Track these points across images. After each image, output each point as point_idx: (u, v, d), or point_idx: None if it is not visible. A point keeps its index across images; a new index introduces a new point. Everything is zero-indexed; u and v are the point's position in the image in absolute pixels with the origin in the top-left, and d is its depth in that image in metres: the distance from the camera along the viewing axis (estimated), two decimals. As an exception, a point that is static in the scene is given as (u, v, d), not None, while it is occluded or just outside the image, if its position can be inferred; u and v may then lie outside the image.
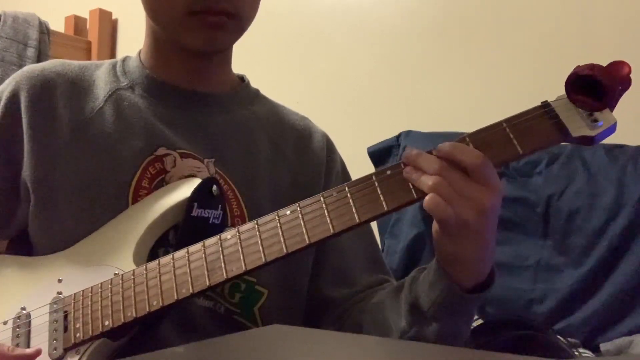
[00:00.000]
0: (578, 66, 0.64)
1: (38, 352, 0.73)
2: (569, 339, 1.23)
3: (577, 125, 0.64)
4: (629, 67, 0.63)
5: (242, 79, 0.97)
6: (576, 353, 1.20)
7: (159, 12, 0.83)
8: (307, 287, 0.90)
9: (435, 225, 0.67)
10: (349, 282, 0.89)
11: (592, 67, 0.63)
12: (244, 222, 0.83)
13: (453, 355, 0.50)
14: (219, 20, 0.80)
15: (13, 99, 0.84)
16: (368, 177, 0.67)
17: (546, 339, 1.16)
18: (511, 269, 1.40)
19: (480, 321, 1.28)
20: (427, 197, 0.64)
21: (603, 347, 1.24)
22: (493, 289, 1.48)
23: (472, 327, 1.22)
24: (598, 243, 1.32)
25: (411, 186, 0.66)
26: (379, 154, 1.59)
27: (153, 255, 0.77)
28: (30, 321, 0.76)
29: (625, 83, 0.63)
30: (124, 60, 0.92)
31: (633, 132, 1.31)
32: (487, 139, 0.66)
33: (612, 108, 0.65)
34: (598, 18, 1.53)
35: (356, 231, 0.89)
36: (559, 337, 1.19)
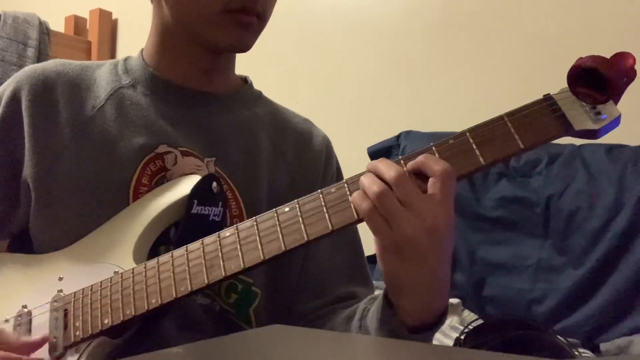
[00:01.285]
0: (580, 58, 0.62)
1: (44, 341, 0.73)
2: (569, 339, 1.23)
3: (580, 118, 0.62)
4: (634, 59, 0.61)
5: (245, 80, 0.97)
6: (576, 353, 1.20)
7: (191, 9, 0.82)
8: (292, 295, 0.90)
9: (375, 242, 0.64)
10: (319, 292, 0.89)
11: (595, 58, 0.61)
12: (242, 221, 0.83)
13: (453, 356, 0.50)
14: (251, 21, 0.81)
15: (14, 99, 0.84)
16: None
17: (546, 339, 1.16)
18: (511, 269, 1.40)
19: (480, 321, 1.28)
20: (367, 216, 0.62)
21: (603, 347, 1.24)
22: (494, 289, 1.49)
23: (472, 327, 1.22)
24: (598, 243, 1.32)
25: None
26: (379, 154, 1.59)
27: (154, 252, 0.77)
28: (31, 319, 0.76)
29: (630, 75, 0.61)
30: (126, 59, 0.92)
31: (633, 132, 1.31)
32: (487, 133, 0.64)
33: (616, 101, 0.63)
34: (598, 18, 1.53)
35: (339, 240, 0.89)
36: (559, 337, 1.19)
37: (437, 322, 0.67)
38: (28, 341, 0.73)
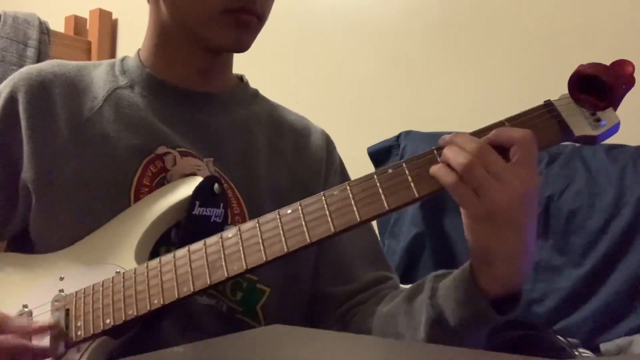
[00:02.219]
0: (581, 65, 0.63)
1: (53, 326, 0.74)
2: (569, 339, 1.23)
3: (580, 124, 0.64)
4: (633, 66, 0.63)
5: (240, 78, 0.97)
6: (576, 353, 1.20)
7: (190, 9, 0.82)
8: (309, 284, 0.89)
9: (462, 214, 0.65)
10: (349, 278, 0.89)
11: (596, 66, 0.62)
12: (244, 220, 0.83)
13: (453, 356, 0.50)
14: (251, 20, 0.81)
15: (11, 100, 0.84)
16: (370, 176, 0.67)
17: (546, 339, 1.16)
18: (511, 269, 1.40)
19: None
20: (453, 189, 0.62)
21: (603, 347, 1.24)
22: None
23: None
24: (598, 243, 1.32)
25: (412, 185, 0.65)
26: (379, 154, 1.59)
27: (155, 253, 0.77)
28: (32, 319, 0.76)
29: (629, 82, 0.63)
30: (123, 60, 0.92)
31: (633, 132, 1.31)
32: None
33: (615, 107, 0.64)
34: (598, 18, 1.53)
35: None
36: (559, 337, 1.19)
37: (518, 295, 0.67)
38: (35, 327, 0.73)
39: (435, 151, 0.66)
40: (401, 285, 0.92)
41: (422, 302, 0.73)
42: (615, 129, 0.64)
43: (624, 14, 1.50)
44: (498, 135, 0.63)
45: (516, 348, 1.12)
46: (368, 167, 1.56)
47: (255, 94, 0.97)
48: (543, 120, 0.65)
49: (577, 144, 1.45)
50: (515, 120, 0.65)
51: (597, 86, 0.62)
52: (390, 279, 0.90)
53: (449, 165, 0.63)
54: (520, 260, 0.65)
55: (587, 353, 1.24)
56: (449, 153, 0.63)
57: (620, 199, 1.32)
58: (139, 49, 0.92)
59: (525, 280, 0.67)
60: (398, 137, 1.61)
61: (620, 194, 1.32)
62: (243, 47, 0.84)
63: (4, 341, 0.71)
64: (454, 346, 0.67)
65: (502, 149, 0.63)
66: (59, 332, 0.73)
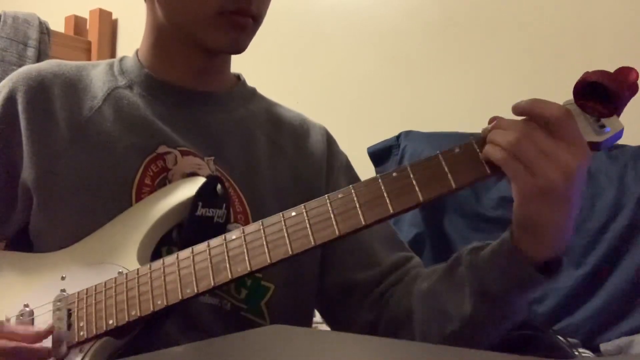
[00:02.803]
0: (587, 72, 0.64)
1: (51, 331, 0.73)
2: (569, 339, 1.23)
3: (584, 130, 0.64)
4: (637, 73, 0.63)
5: (238, 77, 0.97)
6: (576, 353, 1.20)
7: (185, 11, 0.82)
8: (315, 282, 0.89)
9: (514, 190, 0.65)
10: (373, 262, 0.87)
11: (601, 73, 0.63)
12: (246, 218, 0.83)
13: (453, 356, 0.50)
14: (246, 22, 0.81)
15: (10, 100, 0.84)
16: (374, 180, 0.67)
17: (546, 339, 1.16)
18: (511, 269, 1.40)
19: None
20: (504, 163, 0.62)
21: (603, 347, 1.24)
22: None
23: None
24: (598, 243, 1.32)
25: (417, 189, 0.65)
26: (379, 154, 1.59)
27: (156, 253, 0.77)
28: (33, 318, 0.76)
29: (633, 89, 0.63)
30: (121, 60, 0.92)
31: (633, 132, 1.31)
32: None
33: (619, 114, 0.65)
34: (599, 18, 1.53)
35: None
36: (559, 337, 1.19)
37: (560, 258, 0.68)
38: (33, 332, 0.73)
39: (440, 155, 0.66)
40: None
41: (463, 275, 0.73)
42: (618, 135, 0.65)
43: (625, 14, 1.50)
44: (537, 111, 0.63)
45: (516, 348, 1.12)
46: (368, 167, 1.56)
47: (253, 92, 0.98)
48: None
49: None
50: None
51: (601, 93, 0.63)
52: (413, 257, 0.89)
53: (498, 143, 0.63)
54: (567, 229, 0.66)
55: (587, 353, 1.24)
56: (496, 136, 0.64)
57: (620, 199, 1.32)
58: (138, 49, 0.92)
59: (568, 242, 0.68)
60: (398, 137, 1.61)
61: (620, 194, 1.32)
62: (239, 48, 0.84)
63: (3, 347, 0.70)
64: (500, 318, 0.69)
65: (544, 126, 0.63)
66: (61, 334, 0.73)
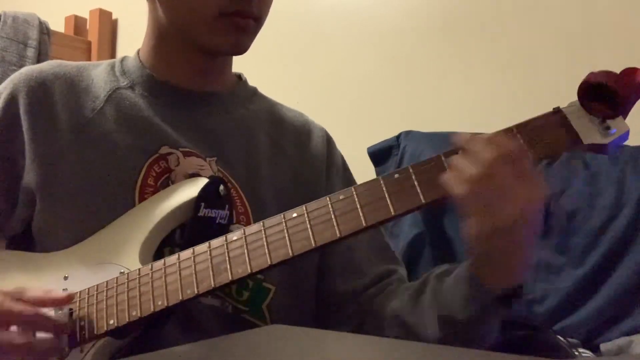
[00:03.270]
0: (591, 73, 0.63)
1: (70, 298, 0.74)
2: (569, 339, 1.23)
3: (589, 132, 0.63)
4: None
5: (239, 77, 0.97)
6: (576, 353, 1.20)
7: (186, 13, 0.82)
8: (314, 284, 0.89)
9: (469, 224, 0.64)
10: (358, 274, 0.88)
11: (606, 74, 0.62)
12: (248, 219, 0.83)
13: (453, 356, 0.50)
14: (247, 24, 0.81)
15: (11, 102, 0.84)
16: (376, 181, 0.67)
17: (546, 339, 1.16)
18: (511, 269, 1.40)
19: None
20: (464, 200, 0.62)
21: (603, 347, 1.24)
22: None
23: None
24: (598, 243, 1.32)
25: (419, 191, 0.65)
26: (379, 154, 1.59)
27: (159, 254, 0.78)
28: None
29: (639, 91, 0.62)
30: (123, 60, 0.92)
31: (633, 132, 1.31)
32: None
33: (625, 116, 0.64)
34: (601, 18, 1.53)
35: None
36: (559, 337, 1.19)
37: (519, 290, 0.68)
38: (54, 296, 0.73)
39: (442, 157, 0.66)
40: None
41: (430, 300, 0.73)
42: (625, 137, 0.64)
43: (627, 15, 1.49)
44: (498, 145, 0.63)
45: (516, 348, 1.12)
46: (368, 167, 1.56)
47: (254, 92, 0.98)
48: (552, 127, 0.64)
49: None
50: (524, 127, 0.65)
51: (607, 94, 0.62)
52: (395, 272, 0.90)
53: (460, 174, 0.63)
54: (524, 261, 0.66)
55: (587, 353, 1.24)
56: (462, 163, 0.63)
57: (620, 199, 1.32)
58: (139, 49, 0.92)
59: (527, 275, 0.68)
60: (398, 137, 1.61)
61: (620, 194, 1.32)
62: (240, 50, 0.84)
63: (23, 311, 0.70)
64: (470, 343, 0.68)
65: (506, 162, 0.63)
66: (63, 326, 0.73)
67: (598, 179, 1.36)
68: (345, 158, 1.02)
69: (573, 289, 1.32)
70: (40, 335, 0.71)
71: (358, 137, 1.63)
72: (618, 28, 1.50)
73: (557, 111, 0.65)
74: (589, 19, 1.54)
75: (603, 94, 0.62)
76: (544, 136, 0.64)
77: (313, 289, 0.89)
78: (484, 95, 1.64)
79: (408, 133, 1.60)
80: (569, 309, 1.31)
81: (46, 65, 0.88)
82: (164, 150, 0.83)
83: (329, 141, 0.97)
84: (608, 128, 0.63)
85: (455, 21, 1.73)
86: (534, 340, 1.15)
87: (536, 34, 1.60)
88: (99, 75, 0.89)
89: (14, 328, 0.70)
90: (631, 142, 1.35)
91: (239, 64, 0.96)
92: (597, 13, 1.53)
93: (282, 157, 0.91)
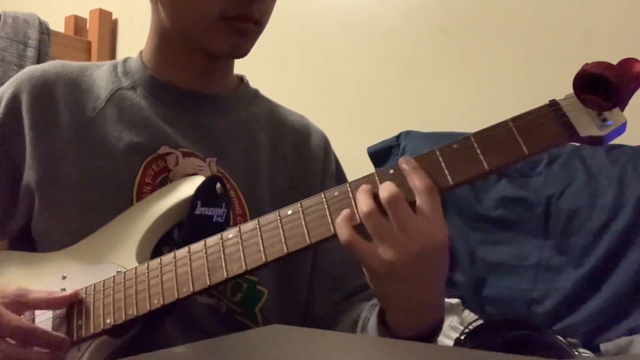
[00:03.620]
0: (587, 64, 0.62)
1: (75, 295, 0.74)
2: (569, 339, 1.23)
3: (585, 124, 0.62)
4: None
5: (241, 79, 0.97)
6: (576, 353, 1.20)
7: (187, 15, 0.82)
8: (306, 290, 0.90)
9: (364, 267, 0.65)
10: (335, 286, 0.89)
11: (601, 65, 0.61)
12: (245, 220, 0.83)
13: (453, 356, 0.50)
14: (248, 27, 0.81)
15: (14, 101, 0.84)
16: (371, 177, 0.67)
17: (546, 339, 1.16)
18: (511, 269, 1.40)
19: (480, 321, 1.28)
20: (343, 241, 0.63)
21: (603, 347, 1.24)
22: (494, 289, 1.49)
23: (472, 327, 1.22)
24: (598, 243, 1.32)
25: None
26: (379, 154, 1.59)
27: (157, 253, 0.78)
28: (34, 317, 0.76)
29: (637, 82, 0.61)
30: (125, 61, 0.92)
31: (633, 132, 1.31)
32: (491, 138, 0.64)
33: (622, 107, 0.62)
34: (599, 18, 1.53)
35: None
36: (559, 337, 1.19)
37: (432, 333, 0.67)
38: (59, 296, 0.73)
39: (437, 150, 0.65)
40: None
41: (358, 332, 0.76)
42: (622, 129, 0.62)
43: (626, 14, 1.49)
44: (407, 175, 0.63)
45: (516, 348, 1.12)
46: (368, 167, 1.56)
47: (256, 94, 0.98)
48: (548, 120, 0.63)
49: (577, 144, 1.45)
50: (519, 120, 0.64)
51: (603, 85, 0.61)
52: (367, 288, 0.89)
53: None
54: (418, 310, 0.65)
55: (587, 353, 1.24)
56: (359, 196, 0.63)
57: (620, 199, 1.32)
58: (142, 50, 0.92)
59: (433, 325, 0.67)
60: (398, 137, 1.61)
61: (620, 194, 1.32)
62: (241, 53, 0.84)
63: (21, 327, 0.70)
64: None
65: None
66: (62, 342, 0.73)
67: (598, 179, 1.36)
68: (345, 158, 1.02)
69: (573, 289, 1.32)
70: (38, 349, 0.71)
71: (358, 137, 1.64)
72: (618, 28, 1.50)
73: (553, 104, 0.64)
74: (589, 19, 1.54)
75: (599, 86, 0.61)
76: (540, 129, 0.63)
77: (305, 295, 0.90)
78: (484, 95, 1.64)
79: (408, 133, 1.61)
80: (569, 309, 1.32)
81: (49, 66, 0.89)
82: (163, 150, 0.83)
83: (326, 146, 0.97)
84: (605, 120, 0.62)
85: (455, 21, 1.73)
86: (534, 340, 1.15)
87: (536, 34, 1.60)
88: (101, 75, 0.89)
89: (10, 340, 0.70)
90: (631, 142, 1.36)
91: (240, 63, 0.96)
92: (597, 13, 1.53)
93: (281, 161, 0.92)
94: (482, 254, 1.45)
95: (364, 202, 0.62)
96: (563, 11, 1.58)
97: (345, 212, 0.64)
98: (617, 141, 1.40)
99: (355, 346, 0.52)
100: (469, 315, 1.41)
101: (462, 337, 1.17)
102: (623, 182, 1.33)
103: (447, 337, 1.26)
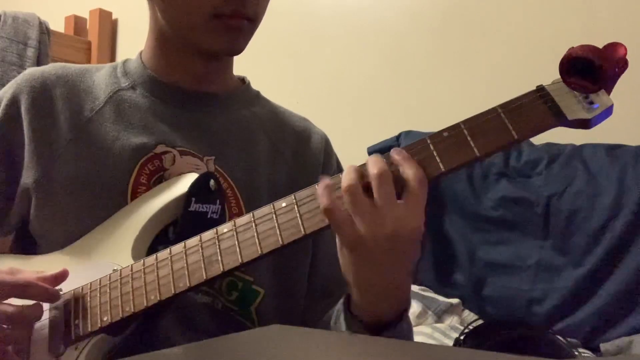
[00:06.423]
0: (572, 47, 0.63)
1: (64, 274, 0.74)
2: (569, 339, 1.23)
3: (573, 108, 0.63)
4: (625, 48, 0.62)
5: (242, 80, 0.97)
6: (576, 353, 1.20)
7: (180, 14, 0.82)
8: (304, 292, 0.90)
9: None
10: (330, 291, 0.89)
11: (586, 48, 0.62)
12: None
13: (453, 356, 0.50)
14: (241, 25, 0.81)
15: (14, 102, 0.84)
16: (363, 166, 0.67)
17: (546, 339, 1.16)
18: (511, 269, 1.40)
19: (480, 321, 1.28)
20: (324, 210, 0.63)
21: (603, 347, 1.24)
22: (494, 289, 1.49)
23: (472, 327, 1.22)
24: (598, 243, 1.32)
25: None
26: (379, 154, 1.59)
27: (152, 251, 0.78)
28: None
29: (621, 64, 0.62)
30: (125, 62, 0.93)
31: (633, 132, 1.31)
32: (481, 125, 0.65)
33: (608, 90, 0.63)
34: (599, 18, 1.53)
35: None
36: (559, 337, 1.19)
37: (397, 319, 0.68)
38: (48, 274, 0.73)
39: (428, 139, 0.66)
40: None
41: (332, 325, 0.76)
42: (608, 112, 0.63)
43: (626, 13, 1.50)
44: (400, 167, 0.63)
45: (516, 348, 1.13)
46: (368, 167, 1.56)
47: (257, 95, 0.98)
48: (536, 105, 0.64)
49: (577, 144, 1.45)
50: (508, 107, 0.65)
51: (588, 69, 0.62)
52: None
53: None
54: (379, 294, 0.66)
55: (587, 353, 1.24)
56: (346, 170, 0.64)
57: (620, 199, 1.32)
58: (141, 51, 0.92)
59: (394, 314, 0.68)
60: (398, 137, 1.62)
61: (620, 194, 1.32)
62: (235, 50, 0.84)
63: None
64: None
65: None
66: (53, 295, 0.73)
67: (598, 179, 1.36)
68: (346, 158, 1.02)
69: (573, 289, 1.32)
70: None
71: (358, 137, 1.64)
72: (618, 28, 1.50)
73: (540, 89, 0.65)
74: (588, 19, 1.54)
75: (585, 69, 0.62)
76: (529, 114, 0.64)
77: (302, 296, 0.90)
78: (484, 95, 1.65)
79: (408, 133, 1.61)
80: (569, 309, 1.32)
81: (50, 67, 0.89)
82: (160, 149, 0.83)
83: (327, 148, 0.97)
84: (592, 103, 0.63)
85: (455, 21, 1.73)
86: (534, 340, 1.15)
87: (535, 34, 1.60)
88: (100, 77, 0.90)
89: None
90: (631, 142, 1.36)
91: (240, 63, 0.96)
92: (597, 13, 1.53)
93: (280, 162, 0.91)
94: (482, 254, 1.45)
95: (347, 177, 0.63)
96: (563, 11, 1.58)
97: (326, 179, 0.64)
98: (617, 141, 1.41)
99: (354, 346, 0.52)
100: (469, 315, 1.41)
101: (462, 337, 1.17)
102: (623, 182, 1.33)
103: (447, 337, 1.26)
